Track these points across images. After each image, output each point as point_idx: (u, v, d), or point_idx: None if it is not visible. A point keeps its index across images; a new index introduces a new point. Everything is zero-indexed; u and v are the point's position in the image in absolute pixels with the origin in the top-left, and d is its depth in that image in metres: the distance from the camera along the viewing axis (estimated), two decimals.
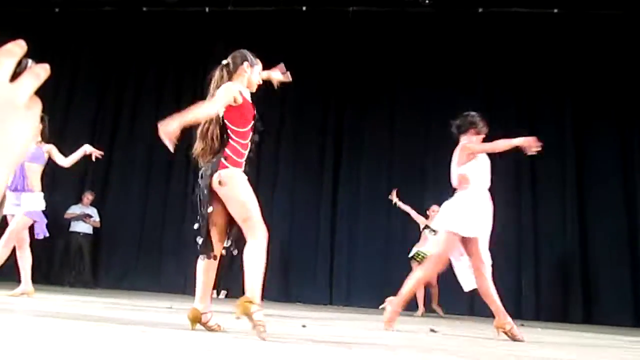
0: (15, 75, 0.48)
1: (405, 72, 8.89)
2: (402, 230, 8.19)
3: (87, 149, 5.15)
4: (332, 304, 8.30)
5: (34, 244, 5.17)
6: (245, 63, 3.07)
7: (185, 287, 8.16)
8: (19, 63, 0.48)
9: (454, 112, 8.54)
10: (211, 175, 2.90)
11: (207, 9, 8.88)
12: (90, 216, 8.60)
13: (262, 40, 9.27)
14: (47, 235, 5.21)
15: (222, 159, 2.90)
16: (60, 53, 9.65)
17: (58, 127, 9.28)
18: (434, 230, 6.98)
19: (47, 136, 5.07)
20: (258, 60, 3.18)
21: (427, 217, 7.22)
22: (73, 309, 4.05)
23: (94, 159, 5.25)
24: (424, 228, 7.14)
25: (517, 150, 4.11)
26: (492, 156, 4.19)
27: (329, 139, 8.89)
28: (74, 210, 8.61)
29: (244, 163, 2.98)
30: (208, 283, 3.04)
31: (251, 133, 3.01)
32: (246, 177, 2.98)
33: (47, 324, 2.81)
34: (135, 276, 8.70)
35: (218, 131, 2.97)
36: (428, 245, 6.83)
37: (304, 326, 3.64)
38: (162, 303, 5.39)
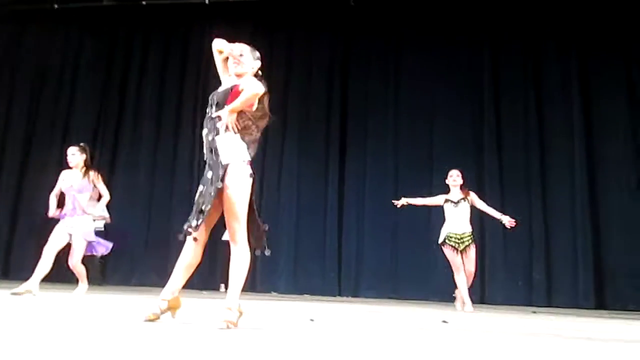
0: None
1: (410, 46, 8.78)
2: (409, 217, 8.07)
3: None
4: (340, 295, 8.23)
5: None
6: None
7: (194, 282, 8.09)
8: None
9: (460, 85, 8.38)
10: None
11: (207, 1, 8.77)
12: (105, 218, 8.46)
13: (264, 29, 9.17)
14: (109, 249, 5.89)
15: None
16: (61, 48, 9.61)
17: (62, 126, 9.30)
18: (455, 202, 5.95)
19: (90, 164, 5.50)
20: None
21: (447, 189, 6.07)
22: (84, 306, 4.00)
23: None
24: (445, 202, 6.02)
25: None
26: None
27: (334, 123, 8.80)
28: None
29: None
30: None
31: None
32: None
33: (53, 323, 2.76)
34: (144, 272, 8.63)
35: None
36: (456, 224, 5.89)
37: (311, 320, 3.57)
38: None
